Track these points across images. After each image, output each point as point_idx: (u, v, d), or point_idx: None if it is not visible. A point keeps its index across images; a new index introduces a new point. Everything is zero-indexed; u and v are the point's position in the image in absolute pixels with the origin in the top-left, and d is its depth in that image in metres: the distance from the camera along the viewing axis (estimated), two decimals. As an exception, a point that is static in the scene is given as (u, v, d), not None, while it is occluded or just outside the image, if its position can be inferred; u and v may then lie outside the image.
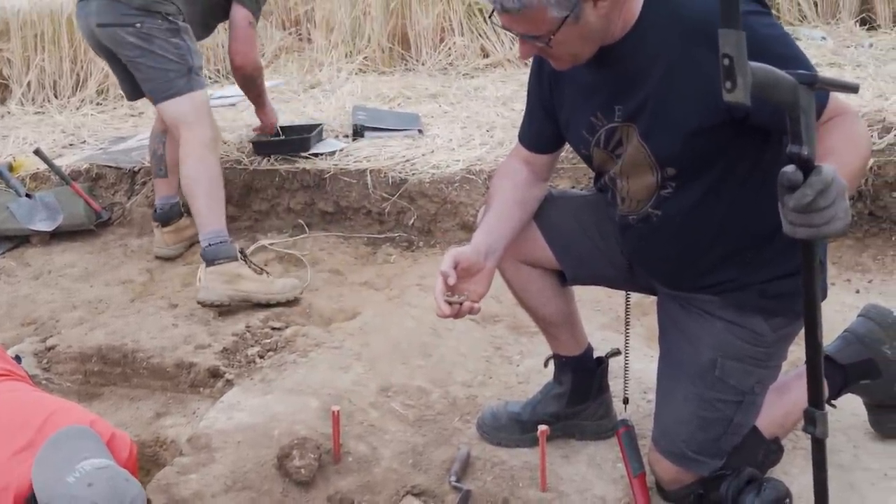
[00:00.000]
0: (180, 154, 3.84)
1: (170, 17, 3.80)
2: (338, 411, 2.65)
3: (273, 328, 3.57)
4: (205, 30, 4.23)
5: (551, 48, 2.00)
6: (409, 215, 4.34)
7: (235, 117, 5.53)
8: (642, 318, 3.36)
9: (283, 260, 4.26)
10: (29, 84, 6.62)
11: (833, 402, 2.48)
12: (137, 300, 3.92)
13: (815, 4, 6.61)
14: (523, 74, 5.95)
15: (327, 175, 4.47)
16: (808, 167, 1.50)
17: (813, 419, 1.74)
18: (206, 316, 3.65)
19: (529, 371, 3.11)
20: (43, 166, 4.88)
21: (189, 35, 3.88)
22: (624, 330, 2.71)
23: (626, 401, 2.69)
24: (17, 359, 2.70)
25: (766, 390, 2.30)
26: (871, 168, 3.80)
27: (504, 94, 5.56)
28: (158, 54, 3.78)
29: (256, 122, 4.69)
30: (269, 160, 4.62)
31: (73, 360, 3.44)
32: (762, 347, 2.21)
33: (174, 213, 4.32)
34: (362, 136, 4.89)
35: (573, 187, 4.07)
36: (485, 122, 4.99)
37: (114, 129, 5.80)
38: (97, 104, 6.47)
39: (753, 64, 1.41)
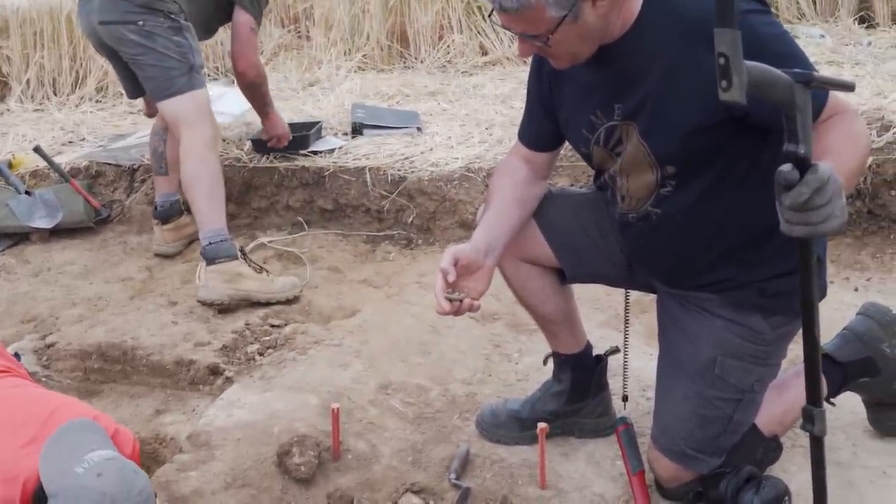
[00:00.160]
0: (181, 153, 3.85)
1: (172, 16, 3.80)
2: (337, 409, 2.65)
3: (272, 326, 3.57)
4: (206, 31, 4.23)
5: (549, 47, 2.00)
6: (408, 213, 4.35)
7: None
8: (641, 316, 3.37)
9: (283, 257, 4.27)
10: (28, 81, 6.62)
11: (832, 400, 2.48)
12: (137, 297, 3.92)
13: (814, 2, 6.61)
14: (522, 72, 5.97)
15: (326, 173, 4.48)
16: (804, 165, 1.50)
17: (811, 417, 1.74)
18: (206, 313, 3.65)
19: (528, 369, 3.12)
20: (42, 164, 4.88)
21: (191, 33, 3.88)
22: (623, 328, 2.71)
23: (625, 398, 2.69)
24: (17, 356, 2.70)
25: (765, 388, 2.30)
26: (869, 166, 3.81)
27: (503, 91, 5.56)
28: (160, 52, 3.78)
29: (256, 119, 4.68)
30: (268, 158, 4.62)
31: (72, 357, 3.45)
32: (761, 345, 2.21)
33: (174, 210, 4.33)
34: (361, 133, 4.89)
35: (572, 185, 4.07)
36: (484, 119, 5.00)
37: (113, 126, 5.80)
38: (96, 101, 6.46)
39: (749, 63, 1.41)
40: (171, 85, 3.82)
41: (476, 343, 3.32)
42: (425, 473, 2.59)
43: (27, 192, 4.65)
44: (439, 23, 6.64)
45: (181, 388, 3.31)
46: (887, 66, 5.07)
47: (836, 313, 3.10)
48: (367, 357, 3.23)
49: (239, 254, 3.80)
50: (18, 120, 6.10)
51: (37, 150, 4.86)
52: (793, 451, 2.55)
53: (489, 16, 2.10)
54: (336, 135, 4.93)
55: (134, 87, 4.10)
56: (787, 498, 2.25)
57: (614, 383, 2.75)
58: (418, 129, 4.91)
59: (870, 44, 5.78)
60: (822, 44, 5.76)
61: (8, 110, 6.39)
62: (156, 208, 4.36)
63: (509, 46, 6.41)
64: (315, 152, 4.63)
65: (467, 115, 5.12)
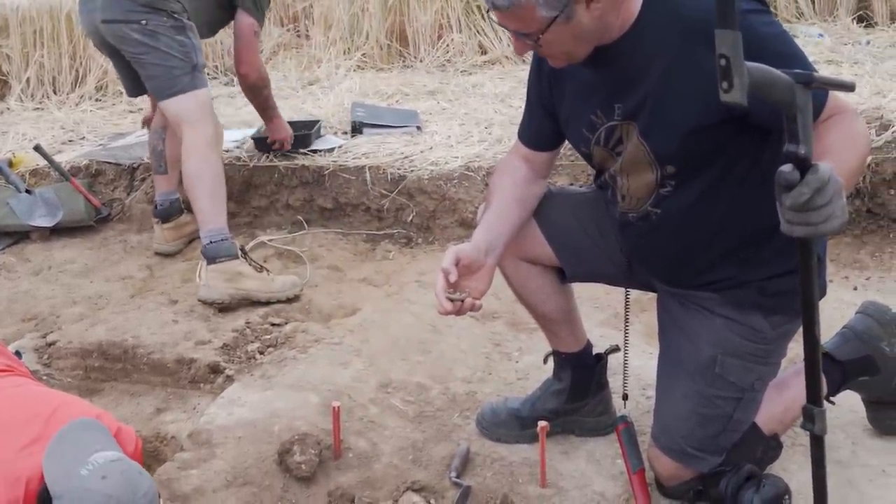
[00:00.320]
0: (183, 152, 3.85)
1: (175, 15, 3.80)
2: (338, 407, 2.65)
3: (273, 324, 3.58)
4: (208, 31, 4.23)
5: (542, 46, 2.01)
6: (407, 212, 4.35)
7: (234, 114, 5.53)
8: (641, 315, 3.37)
9: (283, 256, 4.27)
10: (28, 80, 6.62)
11: (832, 398, 2.49)
12: (137, 296, 3.92)
13: (813, 2, 6.63)
14: (521, 71, 5.98)
15: (326, 172, 4.48)
16: (804, 166, 1.50)
17: (812, 416, 1.74)
18: (206, 312, 3.66)
19: (529, 367, 3.12)
20: (42, 162, 4.88)
21: (194, 33, 3.88)
22: (623, 327, 2.72)
23: (625, 397, 2.69)
24: (18, 354, 2.70)
25: (765, 387, 2.31)
26: (868, 165, 3.81)
27: (502, 90, 5.57)
28: (163, 51, 3.78)
29: (256, 119, 4.69)
30: (267, 157, 4.63)
31: (73, 355, 3.45)
32: (762, 344, 2.22)
33: (174, 209, 4.33)
34: (361, 132, 4.90)
35: (571, 184, 4.08)
36: (483, 118, 5.00)
37: (113, 125, 5.80)
38: (96, 100, 6.46)
39: (750, 64, 1.41)
40: (173, 84, 3.82)
41: (476, 342, 3.32)
42: (426, 472, 2.59)
43: (27, 191, 4.65)
44: (438, 22, 6.65)
45: (182, 387, 3.31)
46: (886, 66, 5.08)
47: (835, 312, 3.11)
48: (367, 355, 3.24)
49: (240, 253, 3.80)
50: (18, 118, 6.10)
51: (37, 148, 4.87)
52: (793, 449, 2.56)
53: (488, 13, 2.11)
54: (336, 134, 4.94)
55: (134, 86, 4.10)
56: (787, 496, 2.25)
57: (614, 382, 2.76)
58: (418, 128, 4.92)
59: (868, 43, 5.79)
60: (820, 43, 5.77)
61: (8, 109, 6.39)
62: (156, 207, 4.36)
63: (508, 45, 6.41)
64: (315, 151, 4.63)
65: (466, 114, 5.13)
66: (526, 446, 2.66)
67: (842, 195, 1.54)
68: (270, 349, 3.38)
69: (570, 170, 4.21)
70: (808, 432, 1.79)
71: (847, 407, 2.67)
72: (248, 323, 3.56)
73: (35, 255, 4.45)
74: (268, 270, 3.88)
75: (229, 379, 3.20)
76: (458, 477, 2.53)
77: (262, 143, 4.61)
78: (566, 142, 2.41)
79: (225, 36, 6.60)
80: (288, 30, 7.29)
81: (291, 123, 4.59)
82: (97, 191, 4.84)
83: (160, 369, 3.35)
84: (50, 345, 3.51)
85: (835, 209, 1.53)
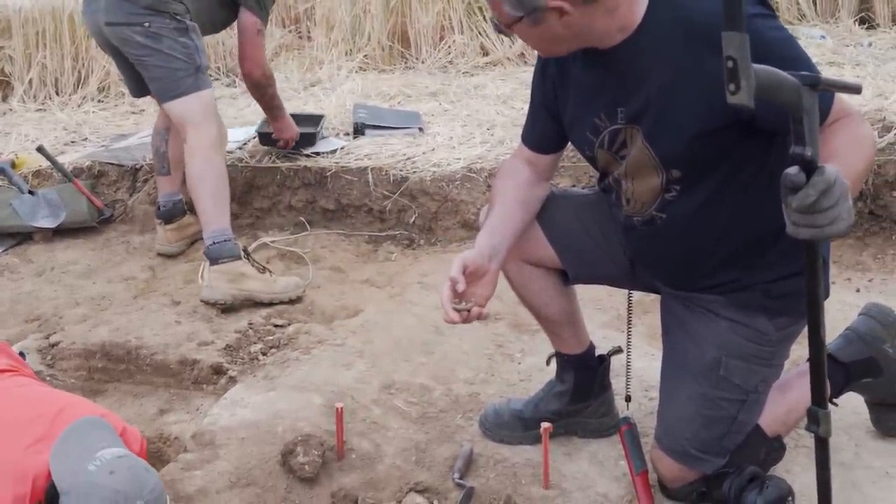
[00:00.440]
0: (186, 153, 3.85)
1: (178, 17, 3.80)
2: (341, 408, 2.66)
3: (275, 325, 3.58)
4: (211, 29, 4.23)
5: (514, 37, 2.08)
6: (410, 213, 4.36)
7: (237, 115, 5.54)
8: (643, 317, 3.37)
9: (285, 257, 4.27)
10: (31, 81, 6.61)
11: (835, 400, 2.49)
12: (140, 297, 3.93)
13: (815, 3, 6.64)
14: (523, 73, 5.99)
15: (329, 173, 4.48)
16: (811, 168, 1.50)
17: (816, 418, 1.74)
18: (209, 313, 3.66)
19: (531, 369, 3.13)
20: (45, 163, 4.88)
21: (197, 34, 3.89)
22: (626, 328, 2.72)
23: (628, 399, 2.70)
24: (22, 355, 2.71)
25: (769, 389, 2.31)
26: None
27: (504, 92, 5.57)
28: (166, 53, 3.78)
29: (258, 118, 4.70)
30: (270, 158, 4.63)
31: (76, 356, 3.45)
32: (766, 346, 2.22)
33: (177, 210, 4.33)
34: (363, 134, 4.90)
35: (573, 186, 4.08)
36: (485, 120, 5.01)
37: (115, 126, 5.80)
38: (99, 101, 6.46)
39: (756, 66, 1.41)
40: (177, 86, 3.82)
41: (479, 343, 3.32)
42: (429, 473, 2.60)
43: (30, 192, 4.65)
44: (440, 23, 6.65)
45: (185, 388, 3.31)
46: (888, 67, 5.09)
47: (838, 314, 3.11)
48: (370, 357, 3.24)
49: (242, 254, 3.81)
50: (21, 120, 6.10)
51: (40, 149, 4.87)
52: (796, 451, 2.56)
53: (500, 31, 2.12)
54: (338, 135, 4.94)
55: (138, 87, 4.10)
56: (790, 498, 2.25)
57: (617, 383, 2.76)
58: (420, 129, 4.92)
59: (871, 45, 5.79)
60: (822, 45, 5.77)
61: (10, 110, 6.39)
62: (158, 208, 4.36)
63: (510, 47, 6.42)
64: (317, 153, 4.64)
65: (469, 116, 5.13)
66: (529, 447, 2.67)
67: (848, 197, 1.53)
68: (273, 350, 3.38)
69: (572, 171, 4.21)
70: (811, 434, 1.78)
71: (850, 409, 2.67)
72: (250, 324, 3.57)
73: (38, 255, 4.46)
74: (270, 271, 3.88)
75: (232, 380, 3.20)
76: (461, 478, 2.53)
77: (266, 139, 4.60)
78: (569, 144, 2.42)
79: (227, 37, 6.63)
80: (290, 31, 7.30)
81: (294, 117, 4.58)
82: (100, 192, 4.84)
83: (163, 370, 3.35)
84: (53, 345, 3.51)
85: (841, 211, 1.52)
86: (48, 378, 3.33)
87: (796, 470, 2.49)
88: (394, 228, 4.40)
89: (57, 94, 6.60)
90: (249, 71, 4.11)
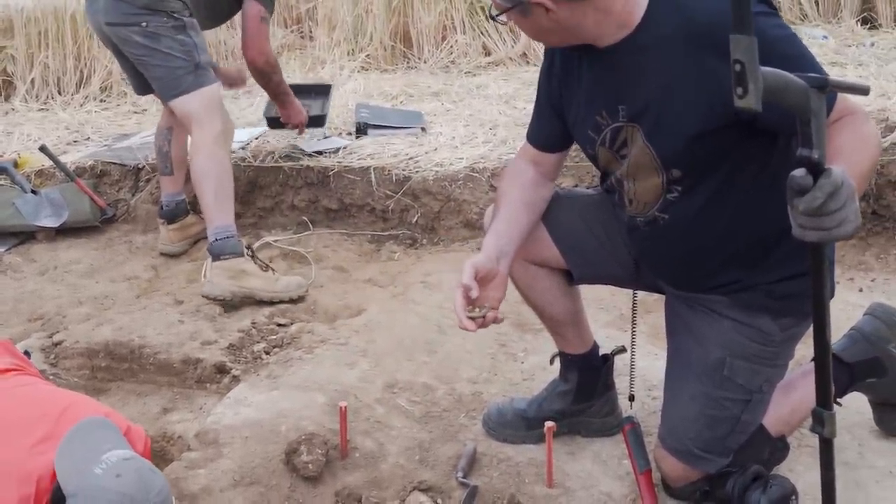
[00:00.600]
0: (190, 149, 3.86)
1: (175, 15, 3.80)
2: (345, 407, 2.66)
3: (278, 325, 3.59)
4: (214, 19, 4.22)
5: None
6: (412, 213, 4.36)
7: (239, 114, 5.54)
8: (646, 317, 3.37)
9: (288, 257, 4.28)
10: (33, 81, 6.61)
11: (839, 400, 2.49)
12: (143, 296, 3.93)
13: (817, 3, 6.63)
14: (525, 73, 5.99)
15: (331, 172, 4.49)
16: (817, 170, 1.48)
17: (821, 420, 1.73)
18: (212, 312, 3.66)
19: (534, 368, 3.13)
20: (48, 163, 4.89)
21: (195, 30, 3.88)
22: (630, 328, 2.72)
23: (631, 398, 2.69)
24: (27, 354, 2.71)
25: (773, 388, 2.31)
26: (873, 167, 3.81)
27: (506, 92, 5.57)
28: (165, 53, 3.78)
29: (260, 119, 4.70)
30: (272, 157, 4.64)
31: (80, 355, 3.45)
32: (770, 347, 2.22)
33: (180, 210, 4.33)
34: (365, 133, 4.91)
35: (576, 186, 4.08)
36: (487, 120, 5.01)
37: (118, 125, 5.80)
38: (101, 101, 6.46)
39: (764, 69, 1.40)
40: (178, 84, 3.83)
41: (482, 342, 3.32)
42: (432, 472, 2.60)
43: (33, 192, 4.66)
44: (443, 23, 6.65)
45: (188, 387, 3.31)
46: (891, 67, 5.09)
47: (840, 314, 3.11)
48: (373, 356, 3.25)
49: (246, 251, 3.81)
50: (23, 119, 6.10)
51: (42, 149, 4.87)
52: (799, 450, 2.57)
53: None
54: (340, 135, 4.94)
55: (141, 85, 4.10)
56: (793, 497, 2.25)
57: (620, 383, 2.76)
58: (422, 129, 4.92)
59: (873, 45, 5.79)
60: (824, 45, 5.77)
61: (13, 110, 6.39)
62: (161, 208, 4.36)
63: (512, 47, 6.42)
64: (320, 152, 4.64)
65: (471, 116, 5.13)
66: (532, 447, 2.67)
67: (855, 199, 1.52)
68: (276, 349, 3.38)
69: (575, 171, 4.21)
70: (816, 435, 1.78)
71: (854, 408, 2.67)
72: (253, 323, 3.57)
73: (41, 255, 4.46)
74: (273, 270, 3.88)
75: (235, 379, 3.20)
76: (464, 477, 2.53)
77: (275, 122, 4.56)
78: (573, 144, 2.42)
79: (229, 37, 6.63)
80: (292, 31, 7.30)
81: (300, 87, 4.53)
82: (102, 191, 4.84)
83: (166, 369, 3.35)
84: (56, 345, 3.51)
85: (848, 213, 1.51)
86: (51, 377, 3.33)
87: (800, 469, 2.49)
88: (396, 228, 4.41)
89: (59, 93, 6.60)
90: (253, 58, 4.06)
